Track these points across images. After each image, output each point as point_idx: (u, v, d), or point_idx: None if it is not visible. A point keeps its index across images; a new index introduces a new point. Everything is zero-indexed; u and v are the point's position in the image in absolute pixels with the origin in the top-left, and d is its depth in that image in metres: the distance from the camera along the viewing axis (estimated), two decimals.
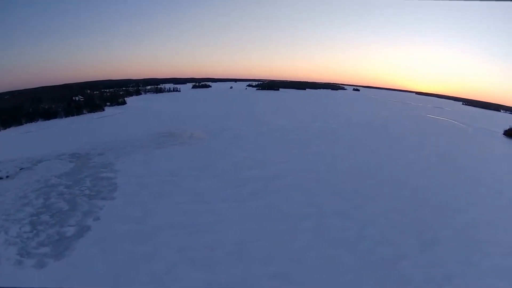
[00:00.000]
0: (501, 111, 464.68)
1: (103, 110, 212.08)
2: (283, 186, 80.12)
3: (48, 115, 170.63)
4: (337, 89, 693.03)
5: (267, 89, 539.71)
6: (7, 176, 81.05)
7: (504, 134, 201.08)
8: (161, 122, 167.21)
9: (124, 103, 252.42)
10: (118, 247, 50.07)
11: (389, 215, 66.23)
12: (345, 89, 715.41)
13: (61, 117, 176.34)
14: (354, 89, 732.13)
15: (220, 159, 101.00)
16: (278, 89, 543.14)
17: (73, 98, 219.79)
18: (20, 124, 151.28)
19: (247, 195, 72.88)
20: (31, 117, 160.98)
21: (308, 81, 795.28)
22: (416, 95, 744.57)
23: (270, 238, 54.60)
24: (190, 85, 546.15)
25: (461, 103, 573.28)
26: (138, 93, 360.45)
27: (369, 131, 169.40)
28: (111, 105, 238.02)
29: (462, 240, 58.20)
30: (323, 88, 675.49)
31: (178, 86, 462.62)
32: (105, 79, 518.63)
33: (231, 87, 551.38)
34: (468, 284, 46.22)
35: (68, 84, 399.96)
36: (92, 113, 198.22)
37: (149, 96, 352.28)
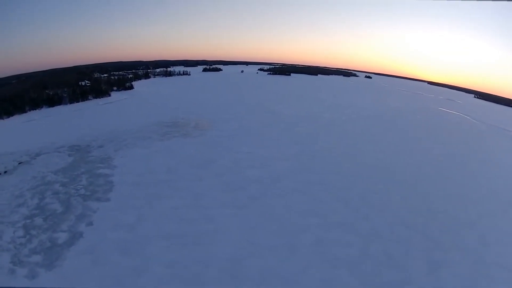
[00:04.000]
0: None
1: (109, 95, 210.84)
2: (285, 189, 78.26)
3: (53, 102, 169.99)
4: (349, 76, 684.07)
5: (279, 74, 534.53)
6: (5, 172, 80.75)
7: None
8: (166, 110, 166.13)
9: (131, 87, 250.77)
10: (108, 259, 49.36)
11: (395, 229, 63.92)
12: (357, 76, 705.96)
13: (66, 104, 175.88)
14: (366, 76, 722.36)
15: (222, 155, 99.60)
16: (290, 74, 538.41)
17: (80, 83, 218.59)
18: (24, 111, 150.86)
19: (246, 200, 71.23)
20: (36, 104, 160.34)
21: (320, 66, 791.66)
22: (429, 85, 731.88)
23: (267, 254, 53.07)
24: (200, 68, 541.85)
25: (472, 95, 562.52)
26: (147, 76, 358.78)
27: (379, 125, 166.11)
28: (118, 89, 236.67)
29: (470, 262, 55.93)
30: (335, 74, 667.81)
31: (188, 69, 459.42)
32: (115, 61, 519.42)
33: (242, 71, 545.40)
34: None
35: (78, 66, 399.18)
36: (98, 99, 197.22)
37: (158, 80, 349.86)
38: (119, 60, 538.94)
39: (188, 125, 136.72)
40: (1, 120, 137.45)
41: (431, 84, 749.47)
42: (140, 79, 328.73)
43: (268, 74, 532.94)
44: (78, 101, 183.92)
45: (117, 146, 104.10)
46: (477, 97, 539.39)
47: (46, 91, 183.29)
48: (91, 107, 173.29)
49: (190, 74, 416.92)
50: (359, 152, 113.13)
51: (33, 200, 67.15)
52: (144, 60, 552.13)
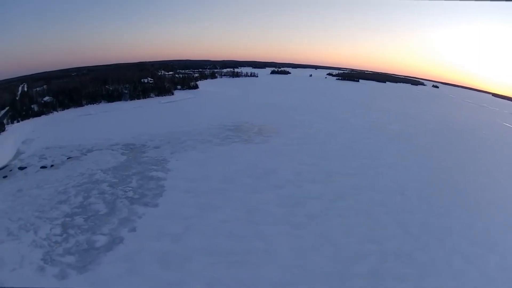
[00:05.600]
0: None
1: (172, 94, 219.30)
2: (345, 209, 73.68)
3: (112, 97, 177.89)
4: (416, 85, 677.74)
5: (347, 79, 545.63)
6: (51, 166, 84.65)
7: None
8: (230, 112, 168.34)
9: (196, 87, 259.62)
10: (146, 270, 48.43)
11: (454, 262, 58.25)
12: (424, 85, 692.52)
13: (126, 100, 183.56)
14: (433, 86, 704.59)
15: (283, 166, 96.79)
16: (358, 80, 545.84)
17: (142, 80, 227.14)
18: (81, 105, 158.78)
19: (303, 218, 67.58)
20: (93, 98, 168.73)
21: (389, 73, 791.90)
22: (493, 97, 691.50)
23: (316, 281, 49.40)
24: (268, 70, 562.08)
25: None
26: (213, 76, 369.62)
27: (447, 140, 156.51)
28: (182, 88, 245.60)
29: None
30: (403, 82, 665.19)
31: (255, 70, 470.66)
32: (182, 59, 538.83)
33: (310, 75, 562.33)
34: None
35: (143, 62, 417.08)
36: (160, 97, 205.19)
37: (224, 80, 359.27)
38: (186, 59, 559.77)
39: (251, 130, 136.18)
40: (56, 112, 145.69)
41: (495, 96, 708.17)
42: (206, 79, 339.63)
43: (337, 79, 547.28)
44: (139, 98, 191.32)
45: (174, 148, 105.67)
46: None
47: (106, 86, 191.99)
48: (152, 105, 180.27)
49: (257, 76, 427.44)
50: (424, 170, 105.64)
51: (77, 198, 69.05)
52: (212, 60, 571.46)
